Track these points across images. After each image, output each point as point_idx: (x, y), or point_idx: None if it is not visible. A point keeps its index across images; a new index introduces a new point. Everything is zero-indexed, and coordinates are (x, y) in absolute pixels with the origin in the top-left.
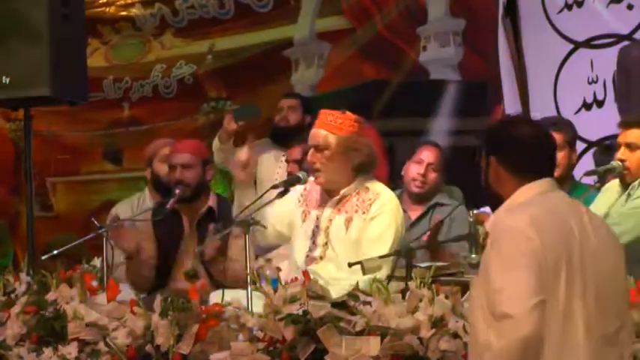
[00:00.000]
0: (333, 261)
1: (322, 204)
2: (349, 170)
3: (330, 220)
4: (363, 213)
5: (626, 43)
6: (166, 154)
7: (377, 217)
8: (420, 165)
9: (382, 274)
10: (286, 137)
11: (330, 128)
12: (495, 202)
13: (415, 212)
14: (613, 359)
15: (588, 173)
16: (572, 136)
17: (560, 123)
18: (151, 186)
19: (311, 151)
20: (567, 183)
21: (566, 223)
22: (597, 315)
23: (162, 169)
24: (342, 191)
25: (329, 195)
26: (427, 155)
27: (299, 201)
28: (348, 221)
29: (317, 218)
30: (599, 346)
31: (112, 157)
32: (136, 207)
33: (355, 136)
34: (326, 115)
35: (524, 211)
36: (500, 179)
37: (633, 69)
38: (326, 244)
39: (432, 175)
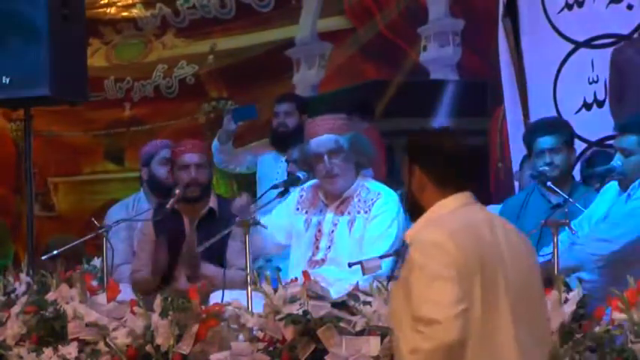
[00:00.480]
0: (335, 262)
1: (323, 208)
2: (356, 169)
3: (335, 224)
4: (365, 213)
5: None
6: (166, 157)
7: (378, 217)
8: None
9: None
10: (286, 142)
11: (336, 131)
12: (417, 211)
13: None
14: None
15: (589, 174)
16: (570, 137)
17: (557, 125)
18: (148, 187)
19: (325, 158)
20: (567, 184)
21: (482, 236)
22: (516, 321)
23: (160, 171)
24: (345, 193)
25: (329, 198)
26: None
27: (298, 209)
28: (351, 222)
29: (319, 223)
30: (520, 350)
31: (113, 157)
32: (131, 208)
33: (359, 135)
34: (325, 121)
35: (443, 225)
36: (422, 188)
37: (627, 70)
38: (329, 247)
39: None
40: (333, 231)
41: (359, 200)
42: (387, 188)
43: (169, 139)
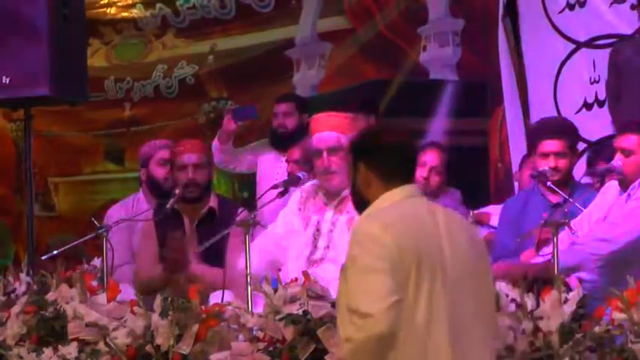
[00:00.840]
0: (334, 261)
1: (322, 208)
2: None
3: (333, 224)
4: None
5: None
6: (164, 157)
7: None
8: (423, 168)
9: None
10: (286, 142)
11: (339, 129)
12: (363, 207)
13: None
14: (475, 352)
15: (588, 173)
16: (575, 142)
17: (564, 128)
18: (146, 188)
19: (324, 154)
20: (567, 184)
21: (422, 229)
22: (456, 312)
23: (159, 172)
24: (344, 192)
25: (329, 198)
26: (430, 158)
27: (300, 209)
28: (350, 221)
29: (318, 222)
30: (454, 340)
31: (113, 157)
32: (130, 208)
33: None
34: (327, 117)
35: (381, 218)
36: (368, 184)
37: (624, 69)
38: (327, 246)
39: (435, 179)
40: (332, 230)
41: None
42: None
43: (169, 139)
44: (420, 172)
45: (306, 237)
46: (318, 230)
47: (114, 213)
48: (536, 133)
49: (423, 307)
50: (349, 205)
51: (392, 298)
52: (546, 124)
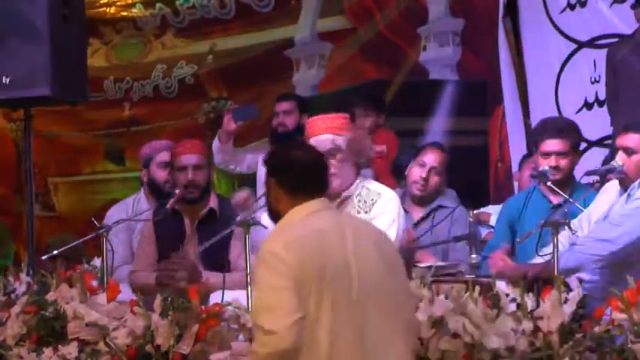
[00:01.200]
0: None
1: None
2: (355, 169)
3: None
4: (366, 213)
5: None
6: (165, 160)
7: (378, 217)
8: (423, 168)
9: None
10: (285, 141)
11: (333, 131)
12: (277, 222)
13: (417, 213)
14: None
15: (588, 173)
16: (578, 142)
17: (567, 129)
18: (147, 189)
19: None
20: (568, 184)
21: (326, 244)
22: (366, 328)
23: (160, 175)
24: (344, 193)
25: (329, 198)
26: (430, 158)
27: None
28: None
29: None
30: (362, 350)
31: (113, 157)
32: (131, 208)
33: (360, 135)
34: (322, 119)
35: (284, 236)
36: (278, 199)
37: (621, 68)
38: None
39: (435, 179)
40: None
41: (359, 200)
42: (387, 189)
43: (169, 140)
44: (420, 172)
45: None
46: None
47: (114, 213)
48: (538, 133)
49: (326, 324)
50: (349, 207)
51: (295, 315)
52: (549, 124)
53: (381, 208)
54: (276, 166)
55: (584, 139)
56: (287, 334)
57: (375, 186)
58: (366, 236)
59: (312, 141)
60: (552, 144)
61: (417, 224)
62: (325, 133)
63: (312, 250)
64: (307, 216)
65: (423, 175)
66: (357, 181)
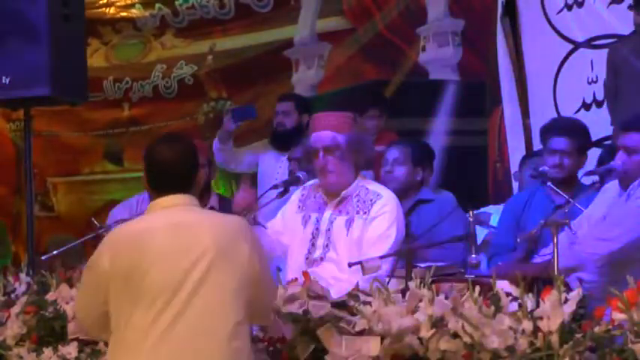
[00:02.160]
0: (334, 261)
1: (322, 206)
2: (354, 169)
3: (331, 222)
4: (364, 213)
5: None
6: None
7: (378, 218)
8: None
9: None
10: (286, 141)
11: (335, 128)
12: None
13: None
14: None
15: (588, 173)
16: (584, 144)
17: (575, 129)
18: None
19: (320, 153)
20: (572, 185)
21: (143, 241)
22: (165, 318)
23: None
24: (343, 192)
25: (328, 197)
26: (391, 153)
27: (299, 207)
28: (349, 222)
29: (317, 221)
30: (182, 353)
31: (112, 157)
32: (135, 208)
33: (361, 135)
34: (325, 116)
35: (108, 236)
36: (148, 191)
37: (622, 67)
38: (327, 245)
39: (400, 170)
40: (329, 229)
41: (358, 200)
42: (387, 190)
43: None
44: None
45: (304, 235)
46: (317, 229)
47: (117, 213)
48: (547, 130)
49: (132, 322)
50: (349, 206)
51: (96, 310)
52: (559, 122)
53: (380, 208)
54: (144, 158)
55: (592, 142)
56: (85, 325)
57: (375, 186)
58: (223, 233)
59: (313, 135)
60: (559, 142)
61: None
62: (327, 129)
63: (128, 247)
64: (157, 211)
65: (387, 168)
66: (357, 181)
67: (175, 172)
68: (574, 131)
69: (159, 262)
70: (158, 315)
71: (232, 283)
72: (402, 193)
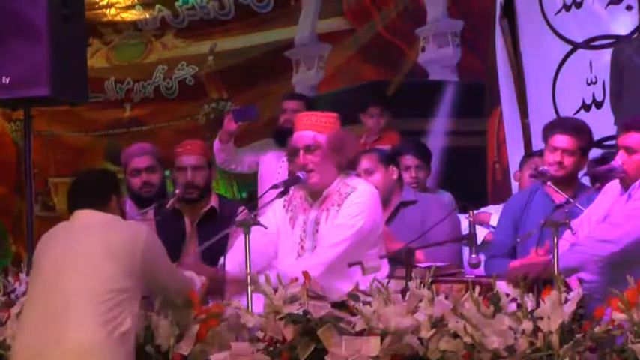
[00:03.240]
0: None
1: (307, 207)
2: (336, 168)
3: (317, 224)
4: (339, 206)
5: None
6: (137, 167)
7: (347, 208)
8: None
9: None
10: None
11: (317, 128)
12: None
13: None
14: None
15: (588, 173)
16: (587, 144)
17: (579, 129)
18: (128, 194)
19: (301, 152)
20: (572, 186)
21: (50, 237)
22: (40, 295)
23: (133, 182)
24: (325, 191)
25: (312, 197)
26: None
27: (284, 208)
28: (327, 218)
29: (304, 223)
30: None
31: (113, 158)
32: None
33: (342, 134)
34: (308, 116)
35: None
36: None
37: (626, 68)
38: (314, 247)
39: (375, 178)
40: (317, 231)
41: (337, 197)
42: (365, 183)
43: (169, 140)
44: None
45: (293, 238)
46: (304, 231)
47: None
48: (550, 127)
49: (31, 291)
50: (329, 203)
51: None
52: (562, 121)
53: (352, 200)
54: None
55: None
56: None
57: (354, 181)
58: (78, 232)
59: (295, 136)
60: (560, 139)
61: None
62: (309, 129)
63: (43, 241)
64: (72, 219)
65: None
66: (338, 179)
67: (70, 195)
68: (578, 131)
69: None
70: None
71: None
72: (384, 199)
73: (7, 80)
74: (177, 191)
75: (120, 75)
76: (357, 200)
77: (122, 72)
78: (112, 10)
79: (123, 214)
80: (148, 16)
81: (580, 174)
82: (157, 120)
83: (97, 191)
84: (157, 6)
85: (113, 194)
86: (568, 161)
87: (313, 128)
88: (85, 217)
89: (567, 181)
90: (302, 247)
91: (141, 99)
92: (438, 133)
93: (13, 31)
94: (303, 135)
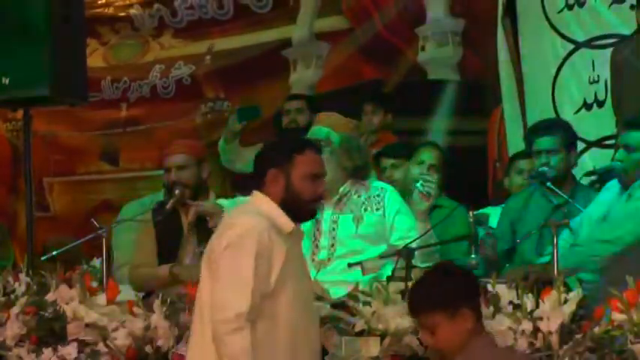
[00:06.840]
0: (343, 258)
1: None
2: (346, 169)
3: (335, 222)
4: (377, 210)
5: None
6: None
7: (401, 211)
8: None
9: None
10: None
11: (332, 126)
12: None
13: None
14: None
15: (588, 173)
16: (569, 138)
17: (556, 126)
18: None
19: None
20: (568, 184)
21: None
22: None
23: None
24: (340, 190)
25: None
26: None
27: None
28: (358, 220)
29: (317, 222)
30: None
31: (108, 157)
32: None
33: (357, 137)
34: (326, 115)
35: None
36: None
37: (625, 68)
38: (332, 245)
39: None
40: (334, 229)
41: (359, 197)
42: (383, 183)
43: (165, 140)
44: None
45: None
46: (318, 230)
47: (129, 210)
48: (529, 134)
49: None
50: (350, 204)
51: None
52: (539, 124)
53: (391, 199)
54: None
55: (584, 139)
56: None
57: (373, 183)
58: None
59: (311, 130)
60: (542, 142)
61: None
62: (322, 125)
63: None
64: None
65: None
66: (350, 180)
67: None
68: (555, 128)
69: None
70: None
71: None
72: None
73: (7, 80)
74: (176, 191)
75: (116, 74)
76: (395, 198)
77: (119, 71)
78: (111, 9)
79: None
80: (146, 15)
81: (580, 174)
82: (153, 120)
83: None
84: (155, 5)
85: None
86: (555, 160)
87: (328, 126)
88: None
89: (561, 180)
90: (317, 246)
91: (137, 98)
92: (437, 133)
93: (13, 31)
94: (317, 130)
